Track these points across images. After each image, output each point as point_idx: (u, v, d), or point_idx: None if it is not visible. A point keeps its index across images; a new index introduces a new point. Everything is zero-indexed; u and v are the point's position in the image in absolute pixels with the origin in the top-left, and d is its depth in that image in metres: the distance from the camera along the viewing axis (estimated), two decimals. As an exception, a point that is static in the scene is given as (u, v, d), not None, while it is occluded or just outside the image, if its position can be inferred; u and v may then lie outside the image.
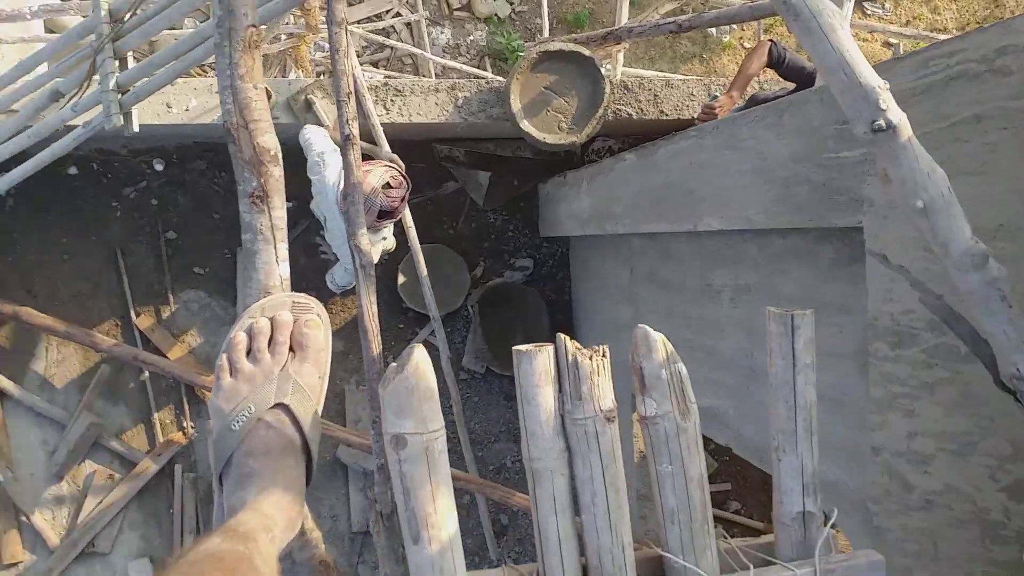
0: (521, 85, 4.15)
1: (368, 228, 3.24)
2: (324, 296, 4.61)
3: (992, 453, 1.52)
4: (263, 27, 1.24)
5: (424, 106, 4.25)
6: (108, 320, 4.47)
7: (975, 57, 1.68)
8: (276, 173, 1.12)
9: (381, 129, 3.86)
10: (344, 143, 2.83)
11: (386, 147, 3.78)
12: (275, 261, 1.09)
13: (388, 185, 3.15)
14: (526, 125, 4.11)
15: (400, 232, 3.85)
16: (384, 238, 3.59)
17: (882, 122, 1.33)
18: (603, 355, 1.08)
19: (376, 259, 3.58)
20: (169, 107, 3.89)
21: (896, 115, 1.34)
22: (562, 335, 1.09)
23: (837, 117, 2.09)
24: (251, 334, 1.02)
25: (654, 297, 3.67)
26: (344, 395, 4.70)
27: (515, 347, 1.08)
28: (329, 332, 1.08)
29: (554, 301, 4.92)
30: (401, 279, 4.57)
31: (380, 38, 6.91)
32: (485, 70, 7.83)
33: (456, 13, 8.00)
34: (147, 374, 4.49)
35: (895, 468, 1.78)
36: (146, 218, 4.49)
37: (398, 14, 7.91)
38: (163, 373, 4.38)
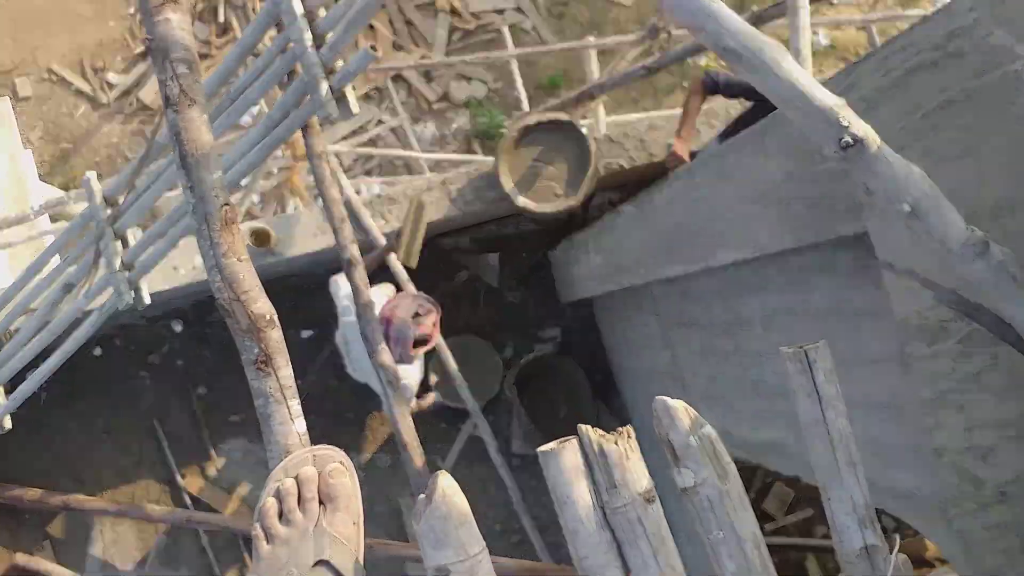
0: (508, 164, 4.22)
1: (403, 360, 3.27)
2: (365, 403, 4.61)
3: (1053, 432, 1.47)
4: (235, 203, 1.29)
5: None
6: (156, 488, 4.54)
7: (927, 46, 1.69)
8: (275, 336, 1.15)
9: (383, 238, 3.94)
10: (346, 266, 2.91)
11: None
12: (290, 420, 1.11)
13: (417, 314, 3.23)
14: (522, 201, 4.16)
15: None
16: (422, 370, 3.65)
17: (848, 138, 1.34)
18: (628, 436, 1.07)
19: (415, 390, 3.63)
20: (176, 268, 4.01)
21: (860, 128, 1.34)
22: (583, 426, 1.09)
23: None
24: (279, 497, 1.03)
25: (687, 339, 3.64)
26: (401, 510, 4.66)
27: (538, 449, 1.08)
28: (355, 475, 1.08)
29: (590, 364, 4.88)
30: (434, 379, 4.57)
31: (367, 149, 7.09)
32: (475, 152, 8.00)
33: (435, 105, 8.20)
34: (204, 535, 4.51)
35: (962, 466, 1.72)
36: (175, 379, 4.59)
37: (380, 121, 8.14)
38: (220, 530, 4.38)
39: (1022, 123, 1.49)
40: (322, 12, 2.74)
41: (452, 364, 3.95)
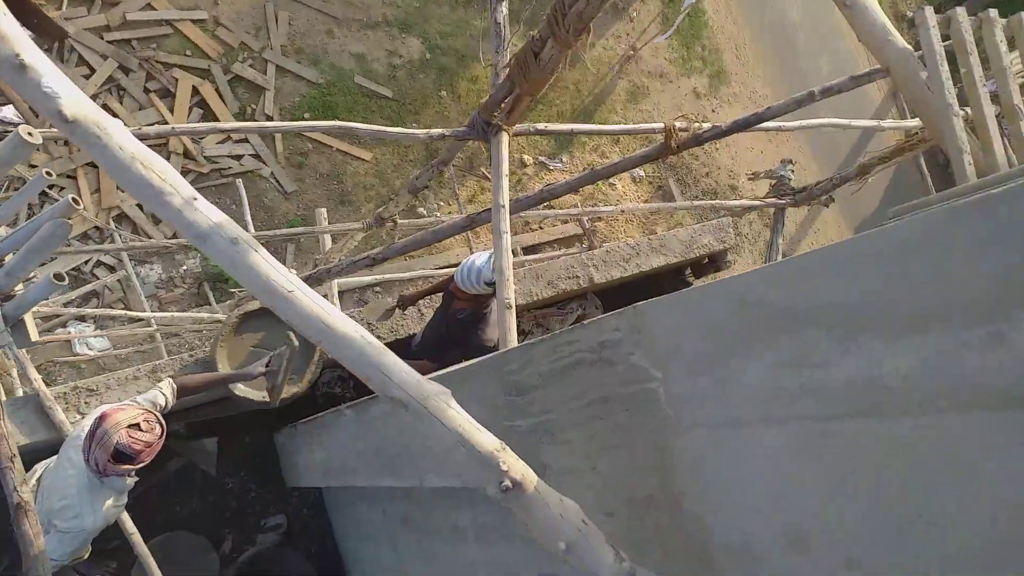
0: (227, 351, 4.06)
1: (100, 471, 2.75)
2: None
3: None
4: None
5: (125, 399, 3.99)
6: None
7: (586, 347, 1.88)
8: None
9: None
10: (15, 513, 2.56)
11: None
12: None
13: (137, 427, 2.76)
14: (241, 390, 3.98)
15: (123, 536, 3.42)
16: (119, 503, 3.04)
17: (508, 482, 1.43)
18: None
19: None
20: None
21: (519, 471, 1.45)
22: None
23: (505, 389, 2.24)
24: None
25: (410, 540, 3.62)
26: None
27: None
28: None
29: (318, 553, 4.67)
30: (136, 591, 4.12)
31: (80, 311, 6.45)
32: (206, 295, 7.62)
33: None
34: None
35: None
36: None
37: (100, 262, 7.52)
38: None
39: (657, 434, 1.69)
40: (2, 231, 2.52)
41: (155, 571, 3.56)
